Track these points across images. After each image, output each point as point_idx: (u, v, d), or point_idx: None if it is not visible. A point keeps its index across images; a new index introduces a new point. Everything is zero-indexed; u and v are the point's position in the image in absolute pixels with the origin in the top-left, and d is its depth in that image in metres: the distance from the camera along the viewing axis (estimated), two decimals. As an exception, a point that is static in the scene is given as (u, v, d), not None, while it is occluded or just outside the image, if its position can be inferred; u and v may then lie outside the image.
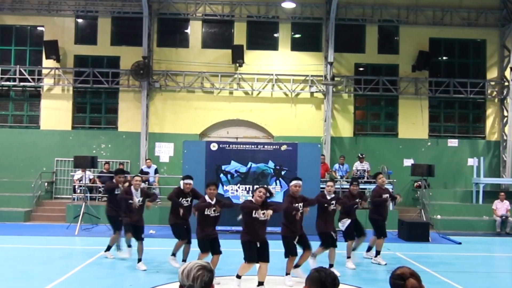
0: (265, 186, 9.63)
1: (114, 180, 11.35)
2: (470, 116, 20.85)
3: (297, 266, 9.14)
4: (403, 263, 10.98)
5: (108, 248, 11.04)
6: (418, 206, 17.09)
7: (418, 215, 16.34)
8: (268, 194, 8.43)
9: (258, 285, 8.17)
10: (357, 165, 18.28)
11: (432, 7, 20.18)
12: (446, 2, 20.21)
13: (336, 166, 18.57)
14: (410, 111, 20.17)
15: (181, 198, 9.84)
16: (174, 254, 9.73)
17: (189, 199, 9.97)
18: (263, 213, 8.10)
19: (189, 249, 9.80)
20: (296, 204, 8.76)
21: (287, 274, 8.86)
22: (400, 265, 3.25)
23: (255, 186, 9.90)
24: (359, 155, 18.49)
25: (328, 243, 9.61)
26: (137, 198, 9.93)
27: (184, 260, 9.64)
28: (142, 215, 10.11)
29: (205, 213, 8.73)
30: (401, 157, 19.82)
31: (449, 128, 20.72)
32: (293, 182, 8.93)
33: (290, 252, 8.75)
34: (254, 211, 8.12)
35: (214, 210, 8.78)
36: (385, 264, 10.64)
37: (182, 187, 9.96)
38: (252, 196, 8.40)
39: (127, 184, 10.58)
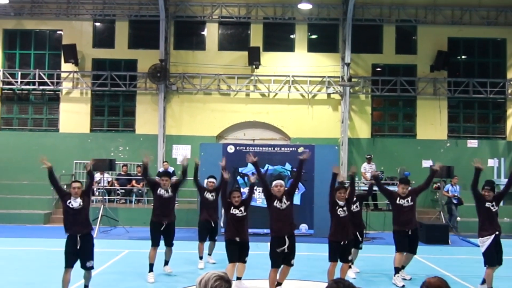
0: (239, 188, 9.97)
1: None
2: (490, 116, 20.55)
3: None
4: (422, 267, 10.88)
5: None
6: (438, 208, 16.90)
7: (437, 217, 16.16)
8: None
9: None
10: (366, 166, 18.06)
11: (451, 6, 19.92)
12: (465, 1, 19.93)
13: (449, 186, 16.69)
14: (428, 111, 19.93)
15: (205, 192, 10.86)
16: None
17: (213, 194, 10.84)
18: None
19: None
20: (278, 201, 8.15)
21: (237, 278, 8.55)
22: (433, 275, 3.20)
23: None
24: (367, 156, 18.34)
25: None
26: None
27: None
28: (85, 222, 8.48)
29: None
30: (419, 158, 19.57)
31: (468, 129, 20.44)
32: (274, 183, 8.31)
33: (272, 263, 8.07)
34: (231, 208, 8.64)
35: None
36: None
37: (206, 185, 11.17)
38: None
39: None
